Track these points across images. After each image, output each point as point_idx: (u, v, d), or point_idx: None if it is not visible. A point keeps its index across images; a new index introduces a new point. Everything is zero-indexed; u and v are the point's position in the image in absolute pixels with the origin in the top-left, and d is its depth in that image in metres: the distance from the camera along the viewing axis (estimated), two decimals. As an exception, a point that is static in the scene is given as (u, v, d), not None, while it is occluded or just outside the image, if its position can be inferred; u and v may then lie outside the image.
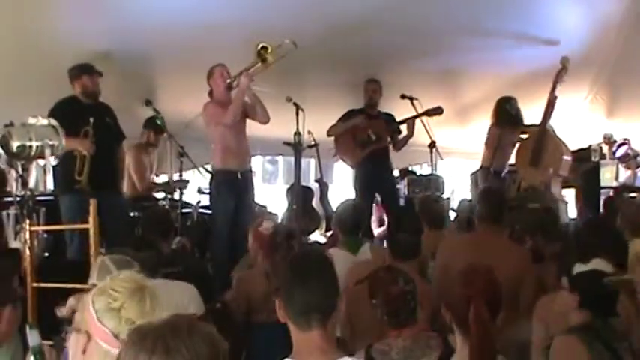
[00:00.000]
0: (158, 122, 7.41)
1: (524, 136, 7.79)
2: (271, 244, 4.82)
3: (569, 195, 8.61)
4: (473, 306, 2.62)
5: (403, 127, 7.92)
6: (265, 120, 6.69)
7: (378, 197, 8.04)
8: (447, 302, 2.85)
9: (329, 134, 7.87)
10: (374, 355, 3.08)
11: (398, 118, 7.93)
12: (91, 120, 6.27)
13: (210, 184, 7.06)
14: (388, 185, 7.97)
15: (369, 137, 7.73)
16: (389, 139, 7.93)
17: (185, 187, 7.88)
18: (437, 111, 7.77)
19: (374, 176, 7.78)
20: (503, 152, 7.76)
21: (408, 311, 3.21)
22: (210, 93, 6.79)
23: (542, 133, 7.51)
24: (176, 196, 7.63)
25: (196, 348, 1.77)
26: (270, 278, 4.61)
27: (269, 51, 6.37)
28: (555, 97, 7.48)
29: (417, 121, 7.74)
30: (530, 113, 7.78)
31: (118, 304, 2.16)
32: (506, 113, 7.73)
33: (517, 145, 7.78)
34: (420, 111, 7.73)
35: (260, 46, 6.39)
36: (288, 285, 2.39)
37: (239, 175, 6.67)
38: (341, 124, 7.86)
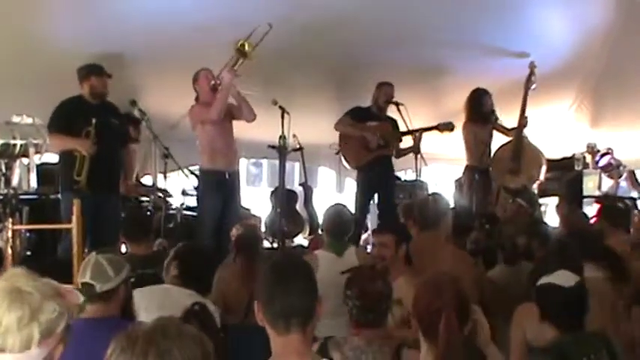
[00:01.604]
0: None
1: (500, 145, 7.84)
2: (237, 246, 5.08)
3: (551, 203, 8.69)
4: (444, 317, 2.60)
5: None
6: (251, 118, 6.68)
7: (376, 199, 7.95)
8: (415, 312, 2.82)
9: (336, 128, 7.72)
10: (329, 346, 3.10)
11: (402, 128, 7.67)
12: (94, 120, 6.20)
13: (198, 184, 7.05)
14: (387, 190, 7.86)
15: (378, 142, 7.67)
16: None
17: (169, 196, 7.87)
18: (448, 126, 7.68)
19: (375, 180, 7.68)
20: (484, 147, 7.79)
21: (375, 313, 3.24)
22: (197, 98, 6.77)
23: (519, 141, 7.61)
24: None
25: (188, 350, 1.77)
26: (244, 278, 4.68)
27: (246, 43, 6.40)
28: (526, 121, 7.59)
29: (404, 127, 7.59)
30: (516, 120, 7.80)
31: None
32: (478, 109, 7.78)
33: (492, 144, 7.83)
34: (432, 124, 7.69)
35: (239, 44, 6.43)
36: (268, 289, 2.37)
37: (227, 175, 6.65)
38: (350, 124, 7.64)
